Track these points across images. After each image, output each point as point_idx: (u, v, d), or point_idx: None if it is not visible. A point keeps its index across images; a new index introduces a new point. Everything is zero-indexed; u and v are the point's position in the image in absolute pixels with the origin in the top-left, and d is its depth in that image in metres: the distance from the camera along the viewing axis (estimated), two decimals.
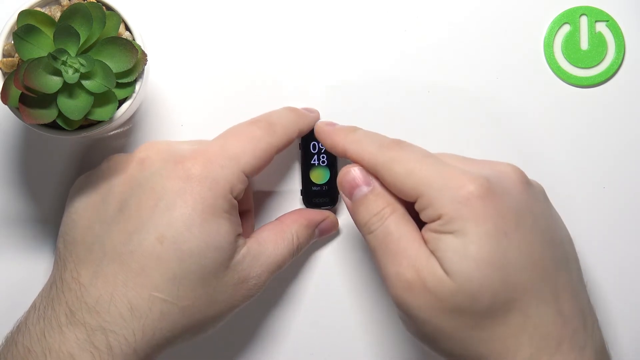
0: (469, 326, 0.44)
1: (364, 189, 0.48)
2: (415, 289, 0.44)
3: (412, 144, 0.48)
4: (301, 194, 0.55)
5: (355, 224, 0.48)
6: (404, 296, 0.45)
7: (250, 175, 0.49)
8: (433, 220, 0.45)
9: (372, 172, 0.48)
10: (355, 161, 0.49)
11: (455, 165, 0.46)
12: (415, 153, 0.47)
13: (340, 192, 0.49)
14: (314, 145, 0.54)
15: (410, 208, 0.47)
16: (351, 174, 0.48)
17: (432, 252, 0.45)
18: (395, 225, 0.46)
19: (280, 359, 0.56)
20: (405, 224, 0.46)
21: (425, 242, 0.45)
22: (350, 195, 0.48)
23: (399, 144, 0.48)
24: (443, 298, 0.44)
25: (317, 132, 0.52)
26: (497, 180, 0.46)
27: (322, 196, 0.55)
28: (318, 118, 0.55)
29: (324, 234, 0.55)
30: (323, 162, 0.55)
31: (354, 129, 0.50)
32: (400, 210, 0.47)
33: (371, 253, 0.47)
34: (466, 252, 0.43)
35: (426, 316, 0.44)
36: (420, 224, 0.46)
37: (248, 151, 0.49)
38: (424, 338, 0.46)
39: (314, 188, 0.55)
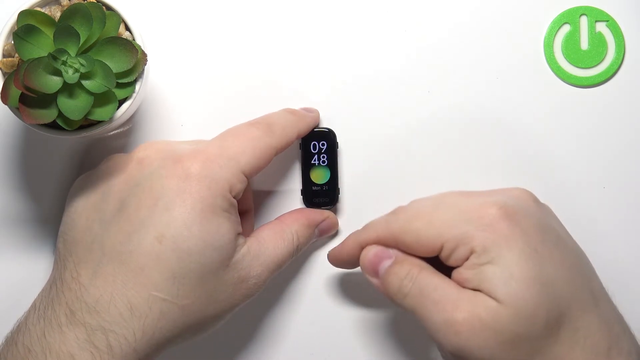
0: (530, 353, 0.43)
1: (387, 262, 0.48)
2: (470, 329, 0.43)
3: (412, 200, 0.48)
4: (301, 194, 0.55)
5: (389, 296, 0.47)
6: (460, 341, 0.43)
7: (249, 175, 0.49)
8: (466, 258, 0.45)
9: (392, 244, 0.48)
10: (372, 243, 0.49)
11: (467, 199, 0.46)
12: (424, 205, 0.47)
13: (366, 276, 0.49)
14: (314, 145, 0.54)
15: (434, 266, 0.47)
16: (371, 253, 0.48)
17: (476, 289, 0.44)
18: (428, 279, 0.46)
19: (280, 359, 0.56)
20: (437, 276, 0.46)
21: (463, 283, 0.45)
22: (375, 274, 0.48)
23: (403, 206, 0.48)
24: (502, 329, 0.43)
25: (332, 261, 0.52)
26: (513, 202, 0.46)
27: (322, 196, 0.55)
28: (318, 118, 0.55)
29: (323, 234, 0.55)
30: (323, 162, 0.55)
31: (356, 230, 0.50)
32: (427, 267, 0.47)
33: (414, 316, 0.46)
34: (512, 276, 0.43)
35: (487, 354, 0.43)
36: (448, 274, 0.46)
37: (247, 151, 0.49)
38: None
39: (314, 188, 0.55)
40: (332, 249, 0.52)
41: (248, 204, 0.54)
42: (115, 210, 0.48)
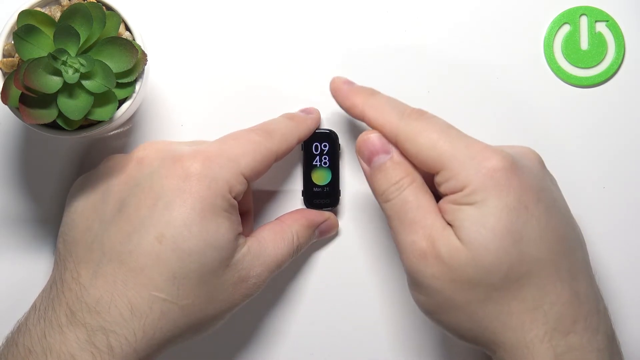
0: (481, 299, 0.44)
1: (383, 157, 0.48)
2: (429, 257, 0.44)
3: (435, 115, 0.48)
4: (302, 195, 0.55)
5: (373, 191, 0.48)
6: (417, 265, 0.45)
7: (249, 178, 0.49)
8: (455, 192, 0.45)
9: (393, 141, 0.48)
10: (374, 127, 0.48)
11: (477, 141, 0.46)
12: (439, 124, 0.47)
13: (359, 158, 0.49)
14: (315, 146, 0.54)
15: (427, 180, 0.47)
16: (370, 140, 0.48)
17: (449, 223, 0.45)
18: (413, 195, 0.46)
19: (280, 358, 0.56)
20: (423, 194, 0.47)
21: (443, 213, 0.45)
22: (368, 162, 0.48)
23: (422, 114, 0.48)
24: (457, 268, 0.44)
25: (333, 90, 0.51)
26: (520, 157, 0.46)
27: (323, 197, 0.55)
28: (318, 119, 0.55)
29: (323, 235, 0.55)
30: (325, 163, 0.55)
31: (373, 92, 0.50)
32: (418, 180, 0.47)
33: (387, 221, 0.47)
34: (485, 223, 0.44)
35: (438, 286, 0.44)
36: (437, 196, 0.46)
37: (247, 154, 0.49)
38: (434, 311, 0.46)
39: (315, 189, 0.55)
40: (341, 85, 0.51)
41: (248, 205, 0.54)
42: (115, 210, 0.48)
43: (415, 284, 0.46)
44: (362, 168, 0.49)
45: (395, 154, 0.48)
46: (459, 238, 0.44)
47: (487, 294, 0.44)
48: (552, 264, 0.44)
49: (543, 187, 0.46)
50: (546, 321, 0.44)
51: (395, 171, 0.47)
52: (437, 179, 0.46)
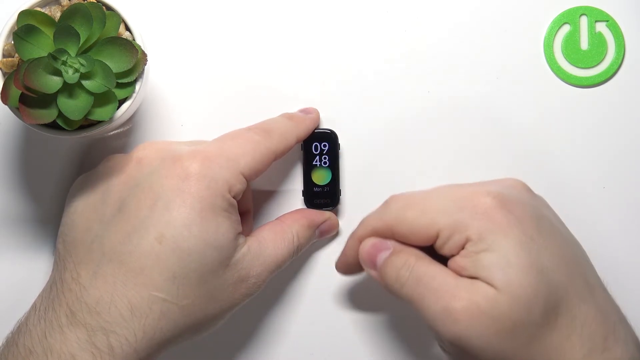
0: (528, 341, 0.43)
1: (385, 254, 0.48)
2: (468, 317, 0.43)
3: (405, 192, 0.48)
4: (302, 195, 0.55)
5: (386, 288, 0.47)
6: (458, 330, 0.43)
7: (248, 177, 0.49)
8: (462, 247, 0.45)
9: (388, 235, 0.48)
10: (369, 236, 0.49)
11: (460, 188, 0.46)
12: (417, 194, 0.47)
13: (365, 268, 0.49)
14: (315, 146, 0.54)
15: (430, 256, 0.47)
16: (368, 244, 0.48)
17: (474, 277, 0.44)
18: (425, 268, 0.45)
19: (281, 358, 0.56)
20: (434, 264, 0.46)
21: (460, 271, 0.45)
22: (374, 265, 0.48)
23: (395, 196, 0.48)
24: (500, 316, 0.43)
25: (342, 269, 0.52)
26: (506, 191, 0.46)
27: (323, 197, 0.55)
28: (317, 119, 0.55)
29: (324, 235, 0.55)
30: (325, 163, 0.55)
31: (352, 232, 0.50)
32: (424, 256, 0.47)
33: (411, 306, 0.46)
34: (510, 263, 0.43)
35: (487, 343, 0.43)
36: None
37: (247, 153, 0.49)
38: None
39: (316, 189, 0.55)
40: (337, 260, 0.52)
41: (247, 205, 0.54)
42: (115, 210, 0.48)
43: (459, 351, 0.44)
44: (373, 277, 0.48)
45: (395, 245, 0.47)
46: (492, 286, 0.43)
47: (532, 333, 0.43)
48: (572, 286, 0.44)
49: (538, 215, 0.46)
50: (582, 344, 0.43)
51: (399, 258, 0.47)
52: (439, 243, 0.46)
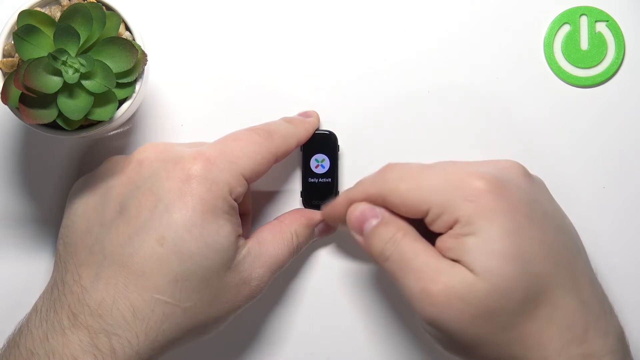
0: (504, 327, 0.43)
1: (373, 222, 0.48)
2: (445, 301, 0.43)
3: (404, 162, 0.48)
4: (301, 195, 0.55)
5: (371, 256, 0.48)
6: (434, 312, 0.44)
7: (249, 179, 0.49)
8: (450, 227, 0.45)
9: (380, 202, 0.48)
10: (361, 200, 0.49)
11: (456, 168, 0.46)
12: (413, 167, 0.47)
13: (351, 232, 0.49)
14: (315, 146, 0.54)
15: (420, 229, 0.47)
16: (357, 210, 0.48)
17: (455, 259, 0.44)
18: (409, 246, 0.46)
19: (281, 358, 0.56)
20: (419, 242, 0.46)
21: (444, 252, 0.45)
22: (360, 231, 0.48)
23: (392, 165, 0.48)
24: (476, 303, 0.43)
25: (325, 217, 0.52)
26: (502, 175, 0.46)
27: (322, 198, 0.55)
28: (317, 122, 0.54)
29: (323, 234, 0.55)
30: (324, 166, 0.55)
31: (347, 189, 0.50)
32: (411, 231, 0.47)
33: (393, 280, 0.46)
34: (493, 250, 0.43)
35: (461, 327, 0.43)
36: (431, 242, 0.46)
37: (248, 155, 0.49)
38: (460, 351, 0.45)
39: (314, 190, 0.54)
40: (326, 206, 0.52)
41: (246, 207, 0.53)
42: (116, 212, 0.48)
43: (436, 331, 0.45)
44: (358, 242, 0.49)
45: (384, 215, 0.48)
46: (471, 271, 0.43)
47: (508, 320, 0.43)
48: (555, 277, 0.44)
49: (531, 200, 0.46)
50: (560, 334, 0.43)
51: (387, 229, 0.47)
52: (428, 219, 0.46)
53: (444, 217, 0.45)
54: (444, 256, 0.45)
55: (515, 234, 0.44)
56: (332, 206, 0.51)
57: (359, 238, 0.48)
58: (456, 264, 0.44)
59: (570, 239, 0.47)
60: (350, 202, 0.49)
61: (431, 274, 0.44)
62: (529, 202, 0.45)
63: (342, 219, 0.50)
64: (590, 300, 0.45)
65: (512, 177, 0.47)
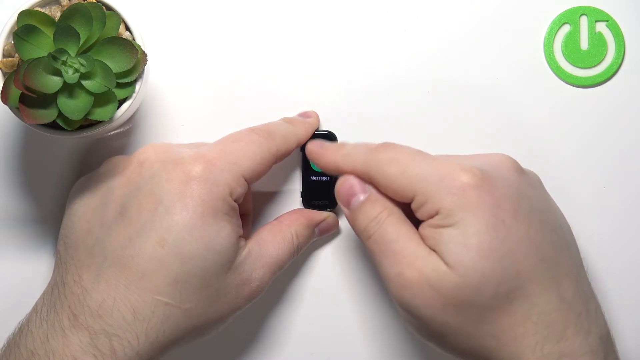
0: (474, 320, 0.44)
1: (361, 197, 0.48)
2: (417, 287, 0.44)
3: (401, 144, 0.48)
4: (301, 196, 0.55)
5: (355, 231, 0.48)
6: (406, 296, 0.45)
7: (249, 180, 0.49)
8: (431, 216, 0.45)
9: (367, 180, 0.48)
10: (349, 173, 0.49)
11: (446, 159, 0.46)
12: (406, 152, 0.47)
13: (339, 203, 0.49)
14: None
15: (408, 211, 0.47)
16: (347, 183, 0.48)
17: (433, 248, 0.45)
18: (392, 227, 0.46)
19: (281, 358, 0.56)
20: (402, 224, 0.46)
21: (424, 239, 0.45)
22: (348, 205, 0.48)
23: (387, 146, 0.48)
24: (447, 293, 0.44)
25: (309, 154, 0.51)
26: (491, 169, 0.46)
27: (322, 198, 0.55)
28: (317, 122, 0.55)
29: (324, 234, 0.55)
30: None
31: (343, 145, 0.50)
32: (397, 212, 0.47)
33: (372, 258, 0.47)
34: (467, 244, 0.44)
35: (431, 314, 0.44)
36: (417, 225, 0.46)
37: (248, 156, 0.49)
38: (431, 337, 0.46)
39: (314, 190, 0.54)
40: (314, 149, 0.51)
41: (247, 208, 0.53)
42: (116, 213, 0.48)
43: (408, 315, 0.46)
44: (344, 213, 0.49)
45: (372, 192, 0.48)
46: (444, 262, 0.44)
47: (480, 314, 0.44)
48: (536, 274, 0.44)
49: (519, 196, 0.46)
50: (536, 331, 0.44)
51: (373, 207, 0.47)
52: (413, 205, 0.46)
53: (427, 206, 0.45)
54: (425, 243, 0.45)
55: (494, 230, 0.44)
56: (319, 158, 0.50)
57: (345, 210, 0.49)
58: (433, 253, 0.45)
59: (557, 236, 0.47)
60: (337, 169, 0.49)
61: (408, 259, 0.45)
62: (515, 197, 0.45)
63: (320, 165, 0.50)
64: (572, 299, 0.45)
65: (501, 172, 0.47)
